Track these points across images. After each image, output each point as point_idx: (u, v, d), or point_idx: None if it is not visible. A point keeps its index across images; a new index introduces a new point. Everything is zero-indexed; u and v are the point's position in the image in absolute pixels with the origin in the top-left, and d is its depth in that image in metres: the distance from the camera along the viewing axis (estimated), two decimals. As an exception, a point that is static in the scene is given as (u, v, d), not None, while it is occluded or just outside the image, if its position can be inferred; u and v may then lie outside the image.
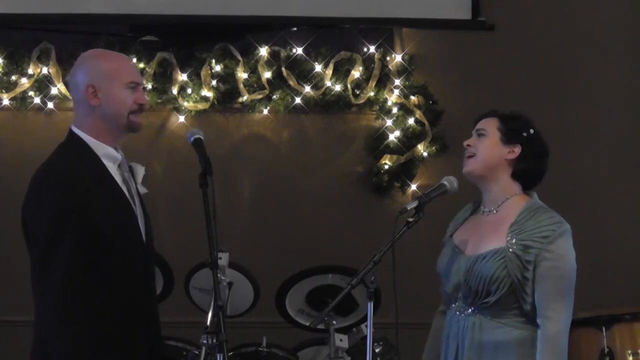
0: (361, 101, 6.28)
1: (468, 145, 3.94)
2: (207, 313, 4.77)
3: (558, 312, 3.77)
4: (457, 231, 4.03)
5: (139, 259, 3.74)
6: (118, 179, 3.75)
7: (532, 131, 3.92)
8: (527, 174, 3.92)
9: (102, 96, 3.72)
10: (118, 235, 3.67)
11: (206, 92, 6.15)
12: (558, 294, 3.77)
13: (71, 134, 3.78)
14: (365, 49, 6.28)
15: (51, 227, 3.58)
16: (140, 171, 3.86)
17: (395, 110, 6.30)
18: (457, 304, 3.93)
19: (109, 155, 3.74)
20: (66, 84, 6.09)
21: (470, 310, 3.88)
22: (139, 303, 3.71)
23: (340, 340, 5.27)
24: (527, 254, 3.78)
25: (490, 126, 3.93)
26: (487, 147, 3.91)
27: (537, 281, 3.78)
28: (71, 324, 3.54)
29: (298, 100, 6.23)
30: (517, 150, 3.89)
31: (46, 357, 3.60)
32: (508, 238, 3.82)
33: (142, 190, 3.85)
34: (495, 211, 3.93)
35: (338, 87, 6.24)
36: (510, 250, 3.80)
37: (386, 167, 6.27)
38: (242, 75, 6.18)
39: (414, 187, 6.28)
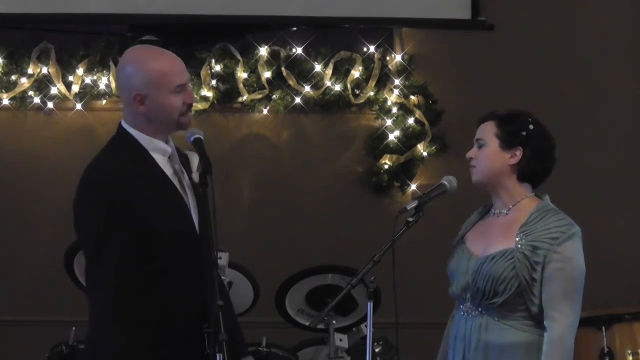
0: (361, 101, 6.28)
1: (470, 157, 3.93)
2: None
3: (564, 314, 3.76)
4: (469, 233, 4.02)
5: (191, 250, 3.71)
6: (169, 171, 3.72)
7: (531, 128, 3.87)
8: (533, 174, 3.91)
9: (149, 103, 3.67)
10: (168, 229, 3.64)
11: (206, 92, 6.15)
12: (565, 296, 3.76)
13: (120, 129, 3.75)
14: (365, 49, 6.29)
15: (100, 225, 3.57)
16: (195, 160, 3.84)
17: (395, 110, 6.30)
18: (465, 305, 3.92)
19: (158, 149, 3.72)
20: (71, 81, 6.11)
21: (477, 311, 3.86)
22: (191, 296, 3.68)
23: (340, 340, 5.27)
24: (536, 255, 3.77)
25: (489, 133, 3.89)
26: (487, 158, 3.88)
27: (544, 283, 3.76)
28: (119, 320, 3.53)
29: (298, 100, 6.23)
30: (519, 153, 3.86)
31: (94, 353, 3.59)
32: (517, 239, 3.81)
33: (198, 179, 3.82)
34: (506, 213, 3.92)
35: (338, 87, 6.25)
36: (520, 251, 3.79)
37: (386, 167, 6.27)
38: (242, 75, 6.18)
39: (414, 187, 6.29)
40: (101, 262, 3.56)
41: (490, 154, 3.88)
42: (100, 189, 3.62)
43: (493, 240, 3.88)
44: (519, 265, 3.77)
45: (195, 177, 3.79)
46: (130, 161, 3.68)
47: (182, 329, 3.66)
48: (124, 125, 3.75)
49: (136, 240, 3.58)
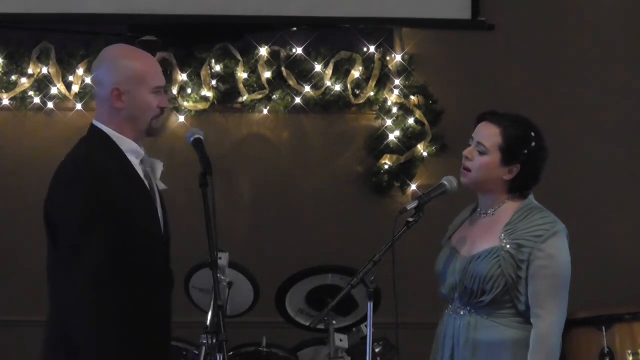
0: (361, 101, 6.28)
1: (466, 156, 3.92)
2: (207, 313, 4.77)
3: (549, 311, 3.78)
4: (456, 233, 4.04)
5: (159, 254, 3.73)
6: (141, 173, 3.76)
7: (533, 145, 3.88)
8: (524, 188, 3.92)
9: (127, 99, 3.70)
10: (142, 230, 3.68)
11: (206, 92, 6.15)
12: (550, 293, 3.78)
13: (94, 128, 3.77)
14: (365, 49, 6.28)
15: (82, 220, 3.57)
16: (159, 167, 3.86)
17: (395, 110, 6.29)
18: (453, 304, 3.94)
19: (133, 151, 3.75)
20: (65, 83, 6.10)
21: (466, 310, 3.89)
22: (158, 299, 3.71)
23: (340, 340, 5.28)
24: (521, 253, 3.80)
25: (491, 142, 3.87)
26: (485, 168, 3.89)
27: (529, 280, 3.80)
28: (101, 319, 3.54)
29: (298, 100, 6.23)
30: (516, 170, 3.88)
31: (73, 352, 3.58)
32: (502, 237, 3.83)
33: (161, 186, 3.85)
34: (492, 214, 3.94)
35: (338, 87, 6.24)
36: (504, 249, 3.81)
37: (386, 167, 6.27)
38: (242, 75, 6.18)
39: (414, 187, 6.28)
40: (81, 259, 3.55)
41: (488, 165, 3.88)
42: (83, 185, 3.62)
43: (479, 240, 3.91)
44: (504, 264, 3.80)
45: (160, 184, 3.83)
46: (108, 160, 3.70)
47: (153, 325, 3.70)
48: (97, 124, 3.76)
49: (115, 236, 3.59)
